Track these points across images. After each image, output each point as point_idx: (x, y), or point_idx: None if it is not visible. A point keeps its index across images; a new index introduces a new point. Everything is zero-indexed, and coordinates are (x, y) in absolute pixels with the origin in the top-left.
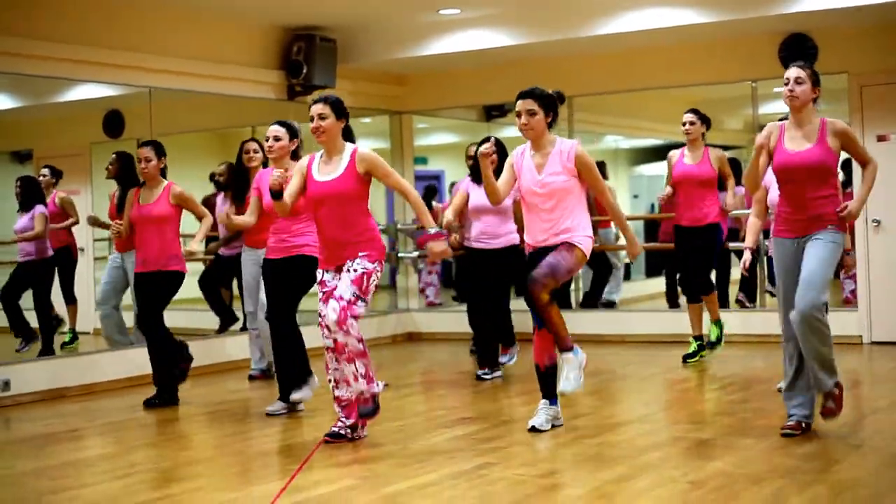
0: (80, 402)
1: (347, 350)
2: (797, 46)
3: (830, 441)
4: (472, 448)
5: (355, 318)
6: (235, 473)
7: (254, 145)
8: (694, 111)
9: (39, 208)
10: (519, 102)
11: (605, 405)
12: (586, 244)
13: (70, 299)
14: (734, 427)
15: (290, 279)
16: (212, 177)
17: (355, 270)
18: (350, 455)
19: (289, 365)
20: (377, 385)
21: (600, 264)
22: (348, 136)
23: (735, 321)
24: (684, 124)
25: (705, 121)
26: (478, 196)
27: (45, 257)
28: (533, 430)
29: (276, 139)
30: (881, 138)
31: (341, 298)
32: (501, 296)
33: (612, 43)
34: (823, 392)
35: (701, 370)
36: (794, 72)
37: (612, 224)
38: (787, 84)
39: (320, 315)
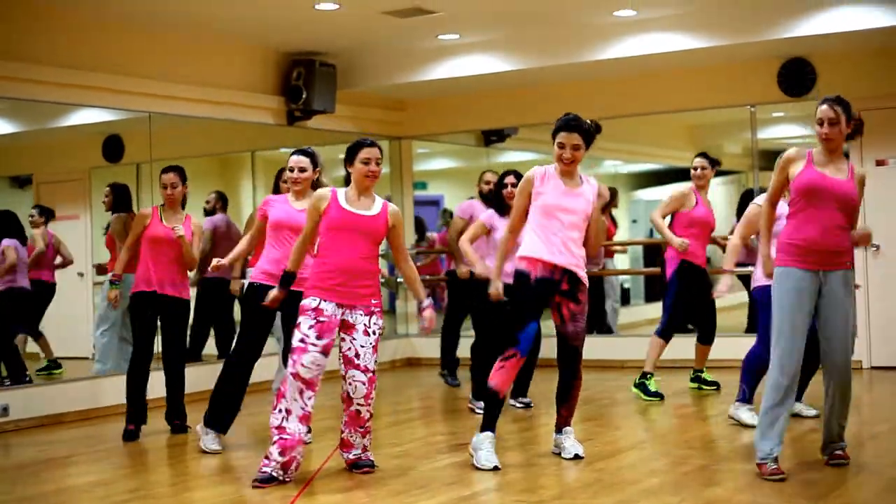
0: (79, 428)
1: (367, 423)
2: (796, 71)
3: (830, 467)
4: (471, 474)
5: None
6: (234, 499)
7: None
8: (703, 155)
9: (6, 242)
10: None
11: (604, 431)
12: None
13: (36, 334)
14: (733, 453)
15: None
16: (205, 211)
17: (374, 333)
18: (349, 481)
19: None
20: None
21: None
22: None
23: (734, 346)
24: (695, 168)
25: (715, 165)
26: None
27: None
28: (577, 457)
29: (302, 170)
30: (880, 163)
31: (367, 370)
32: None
33: (611, 68)
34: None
35: (700, 396)
36: (826, 112)
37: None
38: (821, 125)
39: (313, 345)
